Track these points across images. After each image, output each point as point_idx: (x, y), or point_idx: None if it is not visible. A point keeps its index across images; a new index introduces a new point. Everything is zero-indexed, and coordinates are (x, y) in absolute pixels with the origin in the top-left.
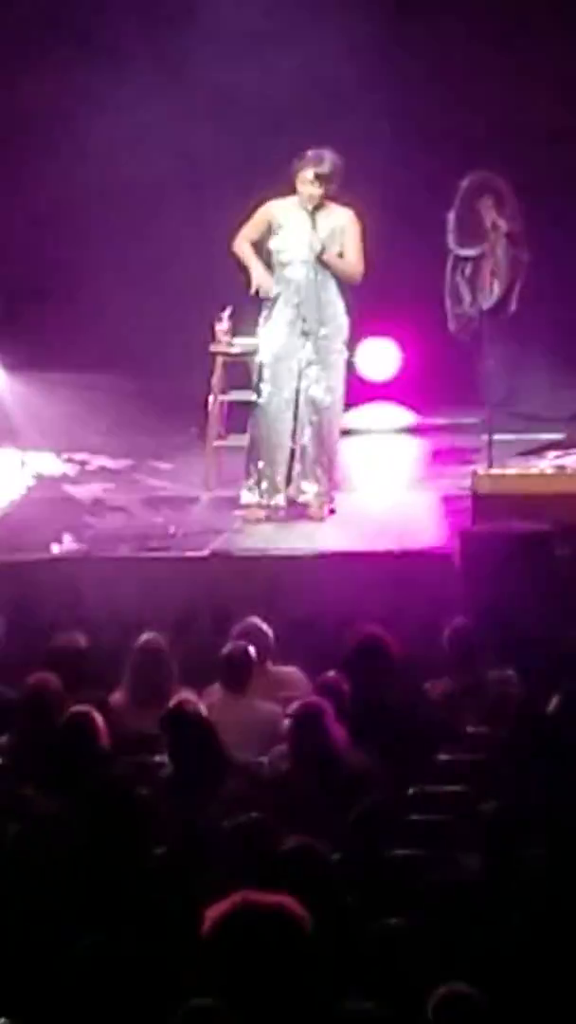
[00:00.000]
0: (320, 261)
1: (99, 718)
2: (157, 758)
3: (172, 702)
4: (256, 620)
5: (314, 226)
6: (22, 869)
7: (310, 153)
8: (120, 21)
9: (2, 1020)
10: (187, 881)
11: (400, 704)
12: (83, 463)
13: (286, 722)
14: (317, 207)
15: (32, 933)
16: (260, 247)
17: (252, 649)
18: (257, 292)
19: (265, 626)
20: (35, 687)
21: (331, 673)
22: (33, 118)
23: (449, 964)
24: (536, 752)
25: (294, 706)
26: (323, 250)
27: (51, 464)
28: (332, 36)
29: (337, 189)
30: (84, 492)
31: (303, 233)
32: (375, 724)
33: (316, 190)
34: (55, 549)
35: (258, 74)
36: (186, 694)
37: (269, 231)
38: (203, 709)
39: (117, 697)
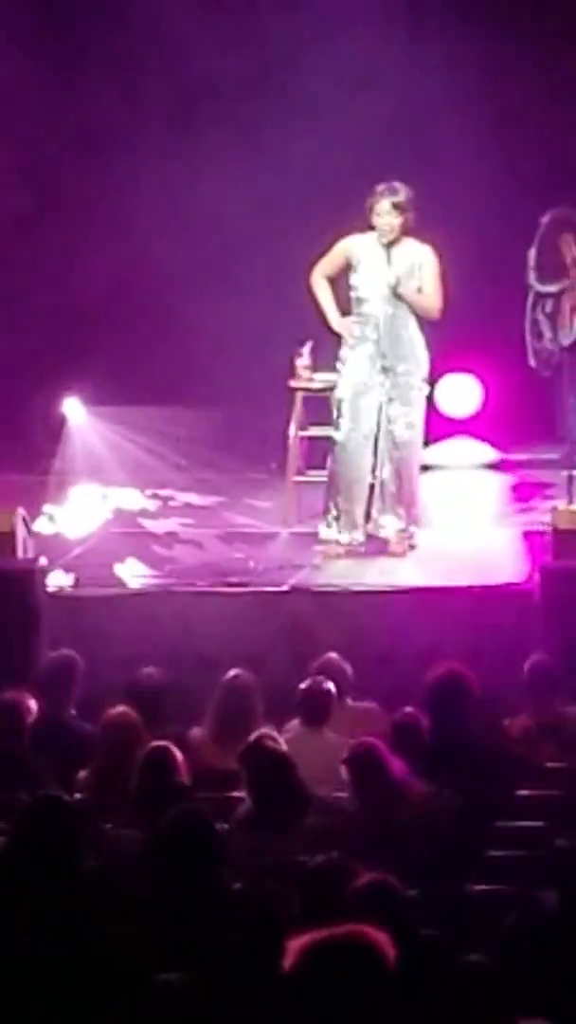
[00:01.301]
0: (396, 296)
1: (178, 753)
2: (236, 794)
3: (252, 737)
4: (335, 656)
5: (389, 260)
6: (100, 904)
7: (381, 186)
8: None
9: None
10: (264, 917)
11: (479, 740)
12: (164, 499)
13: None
14: (394, 242)
15: (109, 967)
16: (336, 283)
17: (331, 685)
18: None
19: (344, 662)
20: (113, 722)
21: (408, 709)
22: (110, 155)
23: (527, 1000)
24: None
25: (347, 749)
26: (398, 284)
27: (133, 499)
28: (411, 74)
29: (413, 221)
30: (161, 527)
31: (380, 268)
32: (454, 760)
33: (394, 220)
34: (134, 583)
35: (336, 113)
36: (266, 730)
37: (347, 267)
38: (283, 744)
39: (197, 733)
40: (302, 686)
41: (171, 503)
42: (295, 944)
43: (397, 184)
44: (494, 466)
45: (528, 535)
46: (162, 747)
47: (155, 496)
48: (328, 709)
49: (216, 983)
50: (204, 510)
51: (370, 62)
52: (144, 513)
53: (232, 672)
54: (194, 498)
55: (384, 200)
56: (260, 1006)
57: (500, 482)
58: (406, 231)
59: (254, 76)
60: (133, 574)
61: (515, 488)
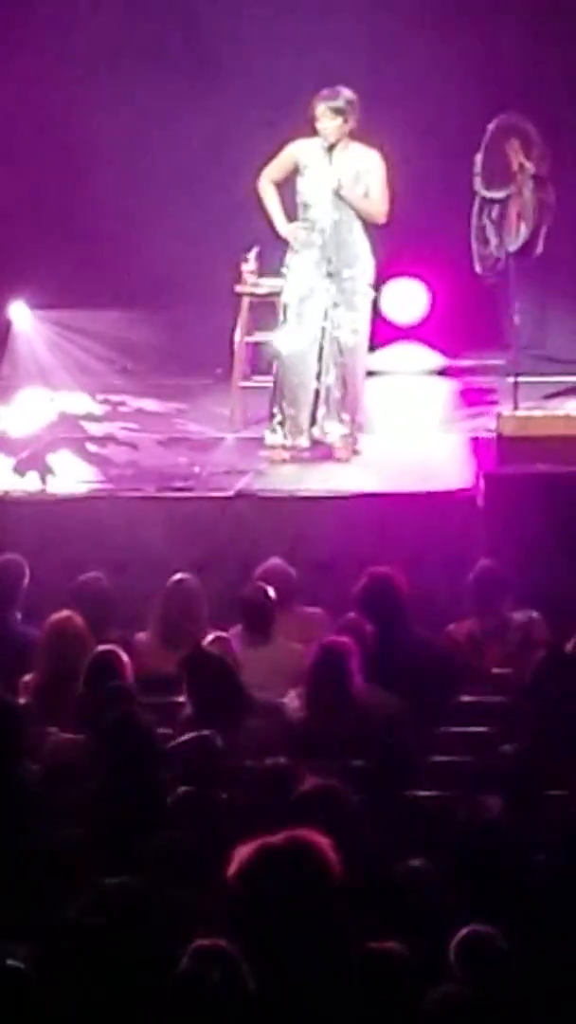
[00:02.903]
0: (341, 199)
1: (124, 657)
2: (182, 699)
3: (204, 642)
4: (279, 561)
5: (331, 163)
6: (44, 808)
7: (325, 91)
8: None
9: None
10: (208, 821)
11: (424, 645)
12: (111, 403)
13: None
14: (337, 146)
15: (53, 872)
16: (283, 188)
17: (271, 590)
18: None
19: (288, 567)
20: (58, 626)
21: (352, 614)
22: (58, 60)
23: (471, 905)
24: (559, 693)
25: (321, 642)
26: (340, 187)
27: (80, 403)
28: None
29: (357, 126)
30: (107, 431)
31: (324, 172)
32: (398, 665)
33: (331, 123)
34: (79, 488)
35: (289, 14)
36: (218, 634)
37: (294, 171)
38: (234, 648)
39: (142, 637)
40: (242, 593)
41: (117, 407)
42: (240, 851)
43: (340, 88)
44: (439, 372)
45: (473, 441)
46: (108, 651)
47: (106, 401)
48: (269, 615)
49: (160, 887)
50: (149, 415)
51: None
52: (89, 417)
53: (177, 576)
54: (140, 403)
55: (322, 104)
56: (204, 910)
57: (445, 388)
58: (351, 135)
59: None
60: (78, 478)
61: (460, 394)
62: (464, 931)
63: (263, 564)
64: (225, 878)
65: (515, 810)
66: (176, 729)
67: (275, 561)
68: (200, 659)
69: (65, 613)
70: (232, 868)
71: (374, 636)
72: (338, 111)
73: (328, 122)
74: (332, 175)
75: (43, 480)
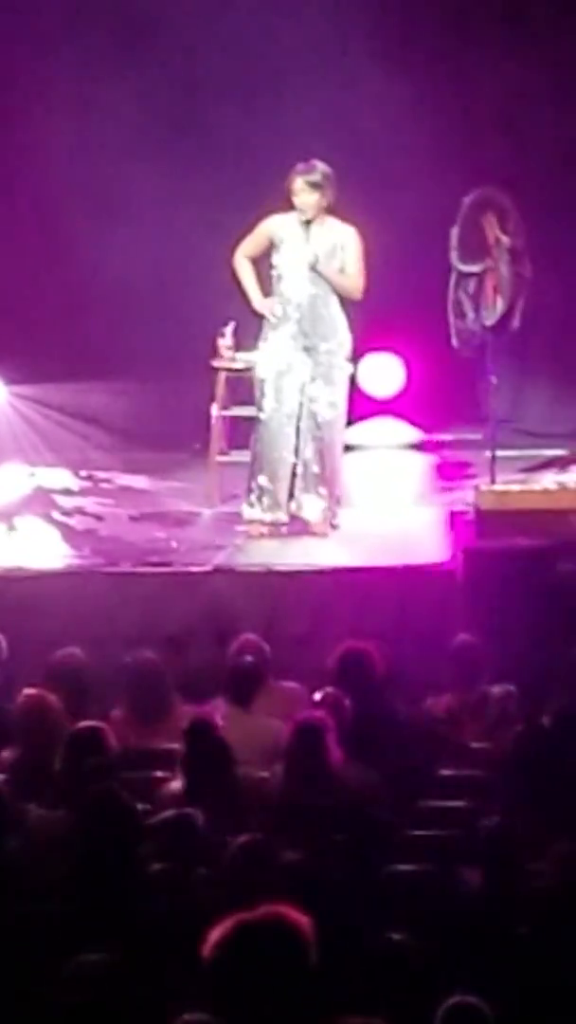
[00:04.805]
0: (316, 272)
1: (108, 732)
2: (159, 774)
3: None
4: (253, 636)
5: (308, 238)
6: (20, 884)
7: (301, 165)
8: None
9: None
10: (187, 897)
11: (402, 719)
12: (91, 479)
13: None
14: (314, 221)
15: (29, 948)
16: (260, 263)
17: (257, 663)
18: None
19: (262, 642)
20: (32, 702)
21: (329, 689)
22: (26, 127)
23: (452, 979)
24: (536, 767)
25: (297, 717)
26: (316, 261)
27: (58, 478)
28: (334, 58)
29: (333, 200)
30: (83, 506)
31: (300, 247)
32: (376, 739)
33: (308, 197)
34: (56, 564)
35: (262, 98)
36: (197, 709)
37: (270, 246)
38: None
39: (118, 714)
40: (231, 665)
41: (96, 483)
42: (216, 927)
43: (315, 162)
44: (417, 446)
45: (451, 515)
46: (89, 727)
47: (85, 477)
48: (256, 689)
49: (139, 964)
50: (127, 490)
51: (293, 48)
52: (67, 492)
53: (134, 653)
54: (118, 478)
55: (299, 178)
56: (181, 987)
57: (423, 462)
58: (327, 210)
59: (189, 61)
60: (55, 554)
61: (438, 468)
62: (450, 1001)
63: (237, 639)
64: (201, 954)
65: (495, 884)
66: (157, 804)
67: (249, 636)
68: (201, 732)
69: (35, 690)
70: (207, 945)
71: (351, 710)
72: (315, 185)
73: (306, 196)
74: (308, 250)
75: (19, 556)
